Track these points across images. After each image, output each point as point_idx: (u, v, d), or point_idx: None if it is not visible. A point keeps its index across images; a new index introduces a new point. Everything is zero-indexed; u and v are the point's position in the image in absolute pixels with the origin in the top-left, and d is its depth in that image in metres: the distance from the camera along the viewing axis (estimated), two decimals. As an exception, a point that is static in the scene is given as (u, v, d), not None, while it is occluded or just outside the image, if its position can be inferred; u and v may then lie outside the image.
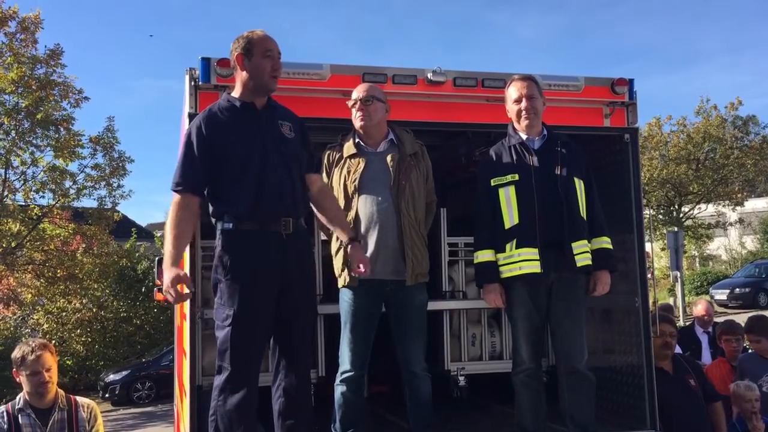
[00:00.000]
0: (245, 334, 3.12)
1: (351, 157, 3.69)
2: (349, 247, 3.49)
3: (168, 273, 3.01)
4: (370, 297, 3.62)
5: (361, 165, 3.65)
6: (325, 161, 3.77)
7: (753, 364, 5.04)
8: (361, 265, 3.41)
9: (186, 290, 3.08)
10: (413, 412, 3.67)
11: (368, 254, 3.57)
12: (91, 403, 3.89)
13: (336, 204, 3.58)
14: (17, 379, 3.73)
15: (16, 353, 3.68)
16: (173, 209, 3.17)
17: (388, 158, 3.66)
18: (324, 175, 3.72)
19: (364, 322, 3.61)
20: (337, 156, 3.75)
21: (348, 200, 3.65)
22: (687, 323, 8.13)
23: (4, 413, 3.67)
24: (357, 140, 3.71)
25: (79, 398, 3.87)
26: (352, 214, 3.64)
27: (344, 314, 3.64)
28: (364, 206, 3.62)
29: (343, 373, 3.60)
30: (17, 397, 3.73)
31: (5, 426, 3.62)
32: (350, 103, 3.67)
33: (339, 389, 3.61)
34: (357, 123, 3.67)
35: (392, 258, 3.59)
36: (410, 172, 3.64)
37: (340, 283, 3.65)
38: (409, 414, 3.70)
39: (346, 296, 3.64)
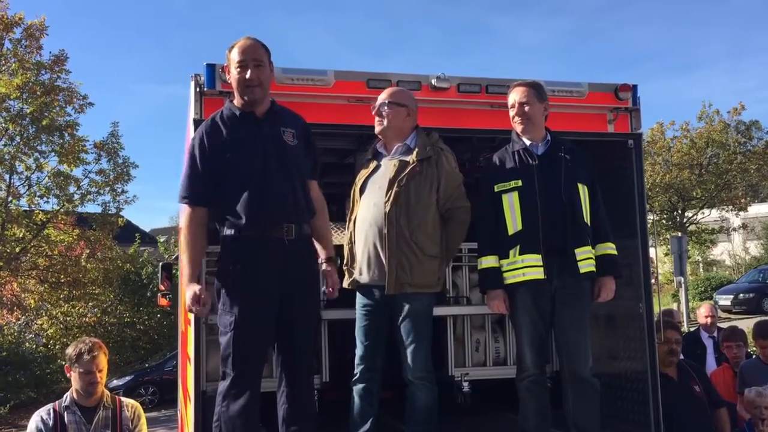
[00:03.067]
0: (247, 339, 3.13)
1: (368, 160, 3.79)
2: (324, 265, 3.49)
3: (188, 290, 3.13)
4: (369, 299, 3.63)
5: (370, 169, 3.71)
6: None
7: (755, 371, 5.02)
8: (330, 288, 3.46)
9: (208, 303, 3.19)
10: (407, 418, 3.64)
11: (358, 258, 3.62)
12: (134, 403, 4.00)
13: (324, 217, 3.54)
14: (68, 374, 3.85)
15: (72, 350, 3.79)
16: (186, 225, 3.22)
17: (392, 163, 3.65)
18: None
19: (367, 323, 3.62)
20: (365, 159, 3.85)
21: (354, 202, 3.74)
22: (692, 329, 8.09)
23: (51, 410, 3.79)
24: (378, 144, 3.78)
25: (123, 398, 4.00)
26: (353, 216, 3.71)
27: (357, 312, 3.70)
28: (361, 210, 3.66)
29: (356, 367, 3.63)
30: (64, 395, 3.85)
31: (51, 423, 3.73)
32: (372, 109, 3.71)
33: (353, 386, 3.63)
34: (376, 128, 3.71)
35: (377, 265, 3.57)
36: (411, 178, 3.57)
37: (344, 283, 3.67)
38: (405, 421, 3.67)
39: (357, 298, 3.70)
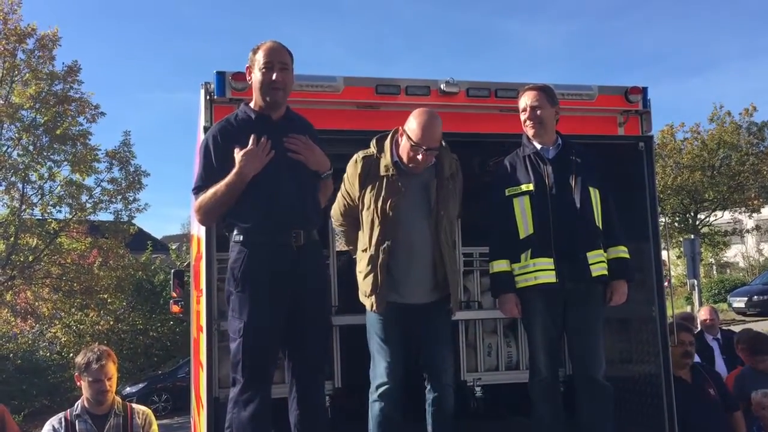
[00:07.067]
0: (256, 345, 3.13)
1: (388, 177, 3.45)
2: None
3: (237, 156, 3.11)
4: (400, 315, 3.49)
5: (400, 189, 3.42)
6: (359, 170, 3.49)
7: (751, 380, 4.94)
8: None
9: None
10: (435, 427, 3.53)
11: (400, 281, 3.44)
12: (146, 410, 4.00)
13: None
14: (78, 383, 3.86)
15: (81, 359, 3.80)
16: (199, 201, 3.21)
17: (430, 185, 3.50)
18: (346, 182, 3.55)
19: (396, 337, 3.48)
20: (374, 170, 3.49)
21: (385, 225, 3.40)
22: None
23: (62, 419, 3.80)
24: (395, 159, 3.49)
25: (134, 405, 4.01)
26: (388, 242, 3.39)
27: (375, 330, 3.49)
28: (403, 235, 3.42)
29: (378, 387, 3.42)
30: (76, 404, 3.86)
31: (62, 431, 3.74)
32: (412, 148, 3.40)
33: (376, 405, 3.44)
34: (409, 162, 3.44)
35: (429, 287, 3.50)
36: (448, 199, 3.52)
37: (368, 306, 3.46)
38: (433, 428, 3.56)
39: (374, 316, 3.50)
